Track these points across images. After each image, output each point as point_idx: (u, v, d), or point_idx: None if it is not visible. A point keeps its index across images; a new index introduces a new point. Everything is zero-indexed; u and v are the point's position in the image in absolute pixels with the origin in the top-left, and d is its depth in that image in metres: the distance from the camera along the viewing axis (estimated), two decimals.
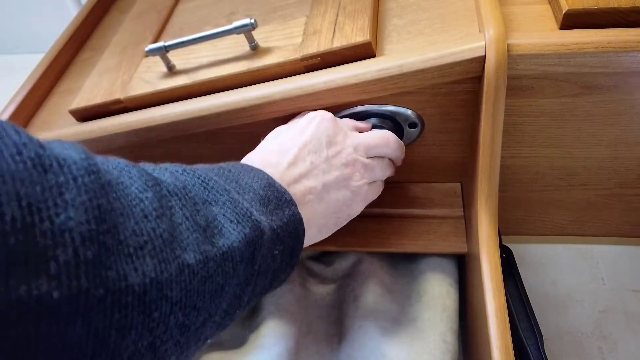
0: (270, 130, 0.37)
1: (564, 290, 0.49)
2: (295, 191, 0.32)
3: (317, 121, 0.35)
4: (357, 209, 0.37)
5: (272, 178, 0.30)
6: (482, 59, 0.33)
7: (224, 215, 0.25)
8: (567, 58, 0.33)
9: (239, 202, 0.26)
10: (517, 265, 0.46)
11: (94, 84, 0.46)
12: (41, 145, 0.17)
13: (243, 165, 0.31)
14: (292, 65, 0.39)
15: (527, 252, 0.51)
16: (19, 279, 0.14)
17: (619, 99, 0.36)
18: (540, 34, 0.34)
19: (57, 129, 0.46)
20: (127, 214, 0.19)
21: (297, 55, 0.38)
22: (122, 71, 0.46)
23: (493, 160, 0.36)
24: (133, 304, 0.18)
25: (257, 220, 0.26)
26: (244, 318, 0.44)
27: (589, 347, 0.45)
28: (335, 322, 0.43)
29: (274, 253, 0.28)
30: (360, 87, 0.36)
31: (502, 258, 0.37)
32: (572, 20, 0.33)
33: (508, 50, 0.33)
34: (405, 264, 0.47)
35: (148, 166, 0.25)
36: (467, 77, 0.35)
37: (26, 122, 0.49)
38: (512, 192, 0.47)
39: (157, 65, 0.44)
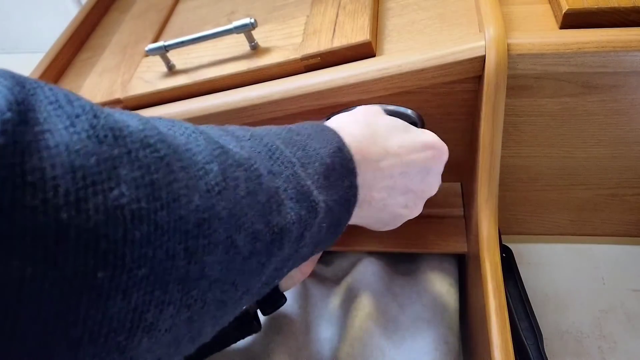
0: None
1: (564, 290, 0.49)
2: (362, 193, 0.31)
3: (434, 154, 0.34)
4: (386, 229, 0.37)
5: (342, 142, 0.29)
6: (482, 59, 0.33)
7: (285, 190, 0.24)
8: (567, 58, 0.33)
9: (302, 178, 0.25)
10: (517, 265, 0.46)
11: (93, 84, 0.46)
12: (96, 115, 0.16)
13: (316, 126, 0.30)
14: (292, 65, 0.39)
15: (527, 252, 0.51)
16: (65, 255, 0.14)
17: (619, 99, 0.36)
18: (540, 33, 0.34)
19: None
20: (192, 187, 0.18)
21: (297, 54, 0.38)
22: (122, 71, 0.46)
23: (493, 160, 0.36)
24: (174, 283, 0.18)
25: (314, 201, 0.25)
26: None
27: (589, 347, 0.45)
28: (335, 322, 0.43)
29: (322, 225, 0.27)
30: (360, 86, 0.36)
31: (502, 258, 0.37)
32: (572, 20, 0.33)
33: (508, 50, 0.33)
34: (405, 264, 0.47)
35: (215, 131, 0.24)
36: (467, 76, 0.35)
37: None
38: (512, 191, 0.47)
39: (157, 65, 0.44)
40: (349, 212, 0.30)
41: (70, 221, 0.14)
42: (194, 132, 0.21)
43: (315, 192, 0.26)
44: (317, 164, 0.27)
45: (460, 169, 0.46)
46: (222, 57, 0.42)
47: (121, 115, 0.18)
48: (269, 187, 0.23)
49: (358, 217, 0.33)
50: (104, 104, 0.44)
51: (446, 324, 0.40)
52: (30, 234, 0.13)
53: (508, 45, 0.33)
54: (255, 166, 0.23)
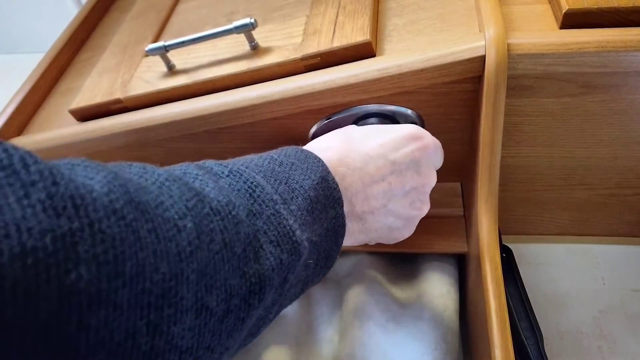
0: (270, 130, 0.37)
1: (564, 290, 0.49)
2: (359, 205, 0.30)
3: (418, 145, 0.33)
4: (404, 235, 0.36)
5: (327, 171, 0.28)
6: (482, 59, 0.33)
7: (265, 232, 0.23)
8: (567, 57, 0.33)
9: (283, 217, 0.24)
10: (517, 265, 0.46)
11: (93, 84, 0.46)
12: (54, 182, 0.14)
13: (298, 153, 0.28)
14: (292, 65, 0.39)
15: (527, 252, 0.51)
16: (9, 352, 0.12)
17: (619, 99, 0.36)
18: (540, 33, 0.34)
19: (57, 128, 0.46)
20: (159, 253, 0.17)
21: (297, 54, 0.38)
22: (122, 71, 0.46)
23: (493, 160, 0.36)
24: None
25: (297, 242, 0.24)
26: None
27: (589, 347, 0.45)
28: (335, 322, 0.43)
29: (308, 263, 0.26)
30: (360, 86, 0.36)
31: (502, 258, 0.37)
32: (572, 20, 0.33)
33: (508, 50, 0.33)
34: (405, 264, 0.47)
35: (192, 171, 0.23)
36: (467, 76, 0.35)
37: (26, 122, 0.49)
38: (512, 191, 0.47)
39: (157, 65, 0.44)
40: (337, 244, 0.29)
41: (16, 320, 0.12)
42: (167, 179, 0.20)
43: (298, 232, 0.24)
44: (300, 198, 0.25)
45: (460, 169, 0.46)
46: (222, 57, 0.42)
47: (85, 175, 0.16)
48: (247, 234, 0.22)
49: (367, 233, 0.32)
50: (104, 104, 0.44)
51: (446, 324, 0.40)
52: None
53: (508, 45, 0.33)
54: (233, 212, 0.21)
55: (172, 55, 0.43)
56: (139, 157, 0.46)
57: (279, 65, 0.39)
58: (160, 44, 0.40)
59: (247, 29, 0.38)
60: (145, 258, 0.16)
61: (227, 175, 0.24)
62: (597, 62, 0.33)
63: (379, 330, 0.40)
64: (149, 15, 0.53)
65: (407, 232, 0.35)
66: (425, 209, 0.35)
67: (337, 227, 0.28)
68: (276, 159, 0.27)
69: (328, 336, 0.43)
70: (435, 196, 0.47)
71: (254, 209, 0.23)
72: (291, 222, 0.24)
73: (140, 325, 0.16)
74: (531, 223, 0.51)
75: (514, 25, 0.35)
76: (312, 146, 0.32)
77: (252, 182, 0.24)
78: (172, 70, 0.43)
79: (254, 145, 0.40)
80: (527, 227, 0.51)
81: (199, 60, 0.43)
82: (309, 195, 0.26)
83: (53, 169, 0.15)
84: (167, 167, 0.22)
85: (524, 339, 0.40)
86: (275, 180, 0.25)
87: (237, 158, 0.27)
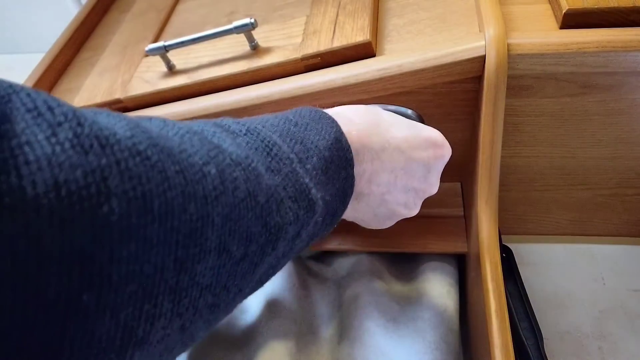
0: None
1: (564, 290, 0.49)
2: (360, 185, 0.30)
3: (437, 152, 0.33)
4: (383, 226, 0.36)
5: (340, 132, 0.28)
6: (482, 59, 0.33)
7: (284, 188, 0.23)
8: (567, 57, 0.33)
9: (300, 176, 0.25)
10: (517, 265, 0.46)
11: (94, 84, 0.46)
12: (79, 123, 0.15)
13: (312, 113, 0.29)
14: (292, 65, 0.39)
15: (527, 252, 0.51)
16: (48, 281, 0.13)
17: (619, 99, 0.36)
18: (540, 33, 0.34)
19: None
20: (187, 194, 0.17)
21: (297, 54, 0.38)
22: (122, 71, 0.46)
23: (493, 159, 0.36)
24: (163, 294, 0.17)
25: (312, 200, 0.25)
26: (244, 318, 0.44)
27: (589, 347, 0.45)
28: (335, 322, 0.43)
29: (318, 220, 0.27)
30: (360, 86, 0.36)
31: (502, 258, 0.37)
32: (572, 20, 0.33)
33: (508, 50, 0.33)
34: (405, 264, 0.47)
35: (209, 127, 0.23)
36: (467, 76, 0.35)
37: None
38: (512, 191, 0.47)
39: (157, 64, 0.44)
40: (344, 204, 0.29)
41: (53, 246, 0.13)
42: (187, 132, 0.21)
43: (313, 190, 0.25)
44: (315, 158, 0.26)
45: (460, 169, 0.46)
46: (222, 57, 0.42)
47: (107, 120, 0.17)
48: (268, 186, 0.22)
49: (355, 211, 0.33)
50: (104, 104, 0.44)
51: (446, 324, 0.40)
52: (9, 263, 0.12)
53: (508, 45, 0.33)
54: (253, 165, 0.22)
55: (172, 55, 0.43)
56: None
57: (279, 65, 0.39)
58: (160, 44, 0.40)
59: (247, 29, 0.38)
60: (174, 198, 0.17)
61: (245, 134, 0.24)
62: (597, 62, 0.33)
63: (379, 330, 0.40)
64: (149, 15, 0.53)
65: (387, 224, 0.36)
66: (414, 212, 0.35)
67: (347, 187, 0.29)
68: (291, 120, 0.27)
69: (328, 336, 0.43)
70: (435, 196, 0.47)
71: (272, 167, 0.23)
72: (307, 180, 0.25)
73: (168, 262, 0.17)
74: (531, 223, 0.51)
75: (514, 25, 0.35)
76: (336, 111, 0.31)
77: (269, 141, 0.24)
78: (172, 70, 0.43)
79: None
80: (527, 227, 0.51)
81: (199, 60, 0.43)
82: (323, 156, 0.26)
83: (77, 111, 0.15)
84: (185, 122, 0.23)
85: (524, 339, 0.40)
86: (291, 140, 0.26)
87: (253, 117, 0.27)
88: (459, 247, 0.43)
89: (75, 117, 0.15)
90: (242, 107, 0.39)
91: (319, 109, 0.30)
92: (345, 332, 0.41)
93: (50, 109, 0.15)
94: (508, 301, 0.41)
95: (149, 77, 0.44)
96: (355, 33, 0.37)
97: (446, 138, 0.42)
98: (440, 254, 0.45)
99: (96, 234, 0.14)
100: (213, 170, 0.19)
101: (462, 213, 0.45)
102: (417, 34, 0.38)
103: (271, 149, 0.24)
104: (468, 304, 0.43)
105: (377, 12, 0.41)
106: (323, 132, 0.27)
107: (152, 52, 0.41)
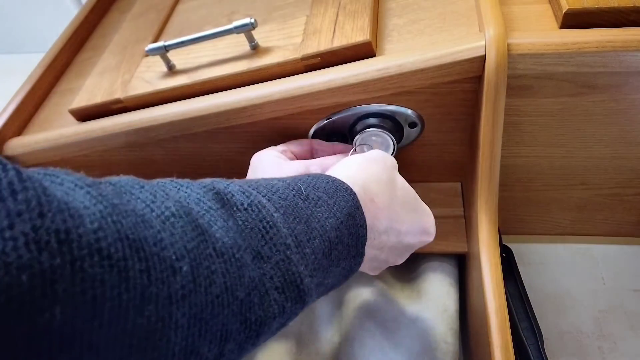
0: (270, 130, 0.37)
1: (564, 290, 0.49)
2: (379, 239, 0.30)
3: (425, 240, 0.35)
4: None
5: (356, 206, 0.26)
6: (482, 59, 0.33)
7: (271, 278, 0.22)
8: (567, 57, 0.33)
9: (293, 264, 0.23)
10: (517, 265, 0.46)
11: (94, 84, 0.46)
12: (41, 213, 0.14)
13: (329, 184, 0.27)
14: (292, 65, 0.39)
15: (527, 252, 0.51)
16: None
17: (619, 99, 0.36)
18: (540, 33, 0.34)
19: (57, 128, 0.46)
20: (148, 295, 0.16)
21: (297, 54, 0.38)
22: (122, 71, 0.46)
23: (493, 160, 0.36)
24: None
25: (303, 291, 0.23)
26: None
27: (589, 347, 0.45)
28: (335, 322, 0.43)
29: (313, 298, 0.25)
30: (361, 86, 0.36)
31: (502, 258, 0.37)
32: (572, 20, 0.33)
33: (508, 50, 0.33)
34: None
35: (205, 200, 0.22)
36: (467, 76, 0.35)
37: (26, 122, 0.49)
38: (512, 191, 0.47)
39: (157, 64, 0.44)
40: (346, 278, 0.28)
41: None
42: (173, 214, 0.19)
43: (306, 280, 0.23)
44: (317, 240, 0.24)
45: (460, 169, 0.46)
46: (222, 57, 0.42)
47: (81, 203, 0.16)
48: (252, 278, 0.21)
49: None
50: (104, 104, 0.44)
51: (446, 324, 0.40)
52: None
53: (508, 45, 0.33)
54: (237, 255, 0.20)
55: (172, 55, 0.43)
56: (139, 157, 0.46)
57: (279, 65, 0.39)
58: (160, 44, 0.40)
59: (247, 29, 0.38)
60: (130, 300, 0.16)
61: (245, 209, 0.23)
62: (597, 62, 0.33)
63: (379, 330, 0.40)
64: (149, 15, 0.53)
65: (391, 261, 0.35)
66: (373, 273, 0.35)
67: (354, 265, 0.28)
68: (302, 192, 0.26)
69: (328, 336, 0.43)
70: (435, 196, 0.47)
71: (263, 252, 0.22)
72: (301, 268, 0.23)
73: None
74: (531, 223, 0.51)
75: (514, 25, 0.35)
76: (360, 183, 0.29)
77: (268, 222, 0.23)
78: (172, 70, 0.43)
79: (254, 145, 0.40)
80: (527, 227, 0.51)
81: (199, 60, 0.43)
82: (328, 237, 0.25)
83: (42, 196, 0.14)
84: (184, 188, 0.21)
85: (524, 339, 0.40)
86: (295, 218, 0.24)
87: (265, 180, 0.26)
88: (459, 247, 0.43)
89: (39, 206, 0.14)
90: (242, 107, 0.39)
91: (337, 179, 0.28)
92: (345, 332, 0.41)
93: (13, 193, 0.13)
94: (508, 301, 0.41)
95: (149, 77, 0.44)
96: (355, 33, 0.37)
97: (446, 138, 0.42)
98: (440, 254, 0.45)
99: (32, 342, 0.13)
100: (185, 267, 0.18)
101: (462, 213, 0.45)
102: (417, 34, 0.38)
103: (267, 232, 0.22)
104: (468, 304, 0.43)
105: (377, 12, 0.41)
106: (335, 208, 0.26)
107: (152, 52, 0.41)
